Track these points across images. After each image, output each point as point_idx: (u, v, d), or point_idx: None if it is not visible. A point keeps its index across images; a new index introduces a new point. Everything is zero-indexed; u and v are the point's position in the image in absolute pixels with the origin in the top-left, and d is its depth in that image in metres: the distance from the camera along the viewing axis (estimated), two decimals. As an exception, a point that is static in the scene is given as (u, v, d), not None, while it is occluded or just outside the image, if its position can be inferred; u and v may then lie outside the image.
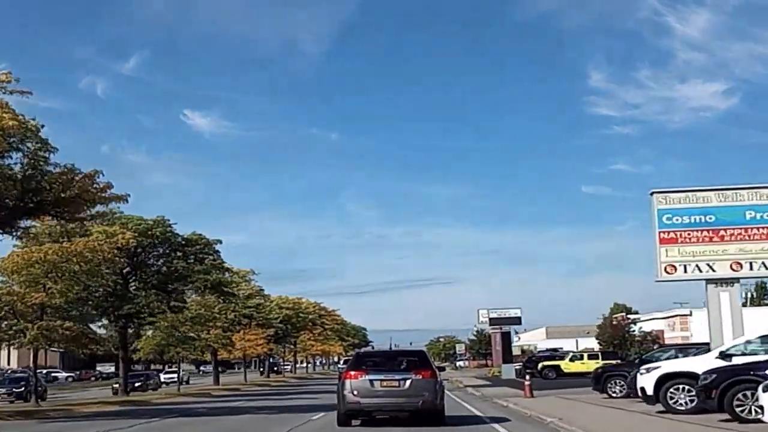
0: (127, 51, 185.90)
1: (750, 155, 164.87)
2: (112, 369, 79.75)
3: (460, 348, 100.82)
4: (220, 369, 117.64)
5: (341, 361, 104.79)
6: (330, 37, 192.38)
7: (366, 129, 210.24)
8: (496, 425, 18.01)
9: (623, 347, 63.83)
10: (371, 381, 16.69)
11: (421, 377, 16.79)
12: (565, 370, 51.95)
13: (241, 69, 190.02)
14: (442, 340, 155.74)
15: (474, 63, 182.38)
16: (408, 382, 16.62)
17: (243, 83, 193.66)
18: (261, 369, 74.13)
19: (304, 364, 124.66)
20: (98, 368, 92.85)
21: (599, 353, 53.27)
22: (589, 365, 51.71)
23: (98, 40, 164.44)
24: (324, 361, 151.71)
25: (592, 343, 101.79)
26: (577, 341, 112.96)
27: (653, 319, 72.32)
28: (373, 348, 47.72)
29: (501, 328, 57.20)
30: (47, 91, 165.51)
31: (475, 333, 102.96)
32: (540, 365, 53.08)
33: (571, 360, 52.74)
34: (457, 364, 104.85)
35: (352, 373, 17.19)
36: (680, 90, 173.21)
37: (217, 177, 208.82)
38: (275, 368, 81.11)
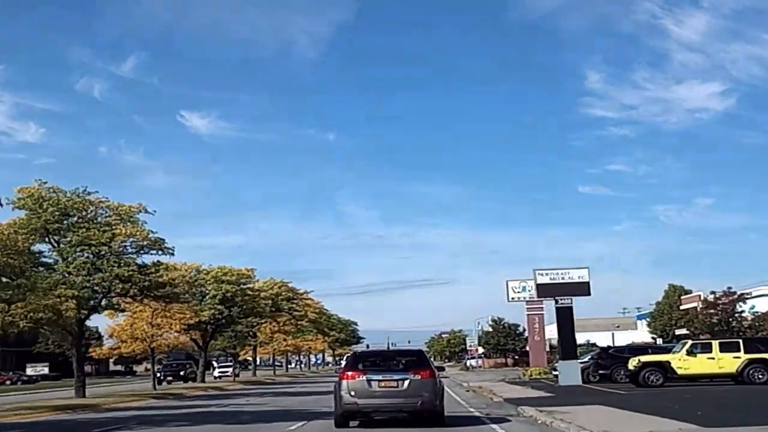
0: (124, 53, 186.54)
1: (746, 156, 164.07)
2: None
3: (471, 342, 78.32)
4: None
5: (343, 360, 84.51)
6: (327, 39, 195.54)
7: (363, 130, 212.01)
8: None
9: (725, 334, 41.17)
10: (369, 381, 16.11)
11: (420, 377, 16.22)
12: (680, 372, 29.39)
13: (238, 70, 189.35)
14: (445, 336, 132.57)
15: (472, 64, 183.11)
16: (407, 383, 16.09)
17: (240, 85, 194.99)
18: (160, 374, 49.59)
19: (276, 363, 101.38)
20: None
21: (740, 343, 30.31)
22: (725, 362, 29.22)
23: (95, 42, 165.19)
24: (302, 361, 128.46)
25: (636, 336, 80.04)
26: (613, 334, 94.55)
27: (762, 295, 49.49)
28: (367, 347, 34.11)
29: (556, 302, 34.41)
30: (45, 92, 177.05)
31: (491, 322, 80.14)
32: (634, 362, 30.26)
33: (690, 353, 29.83)
34: (468, 363, 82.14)
35: (349, 373, 16.50)
36: (677, 91, 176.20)
37: (215, 178, 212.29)
38: (182, 372, 56.89)
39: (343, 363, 23.86)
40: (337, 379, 17.07)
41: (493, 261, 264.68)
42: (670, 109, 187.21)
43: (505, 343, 78.42)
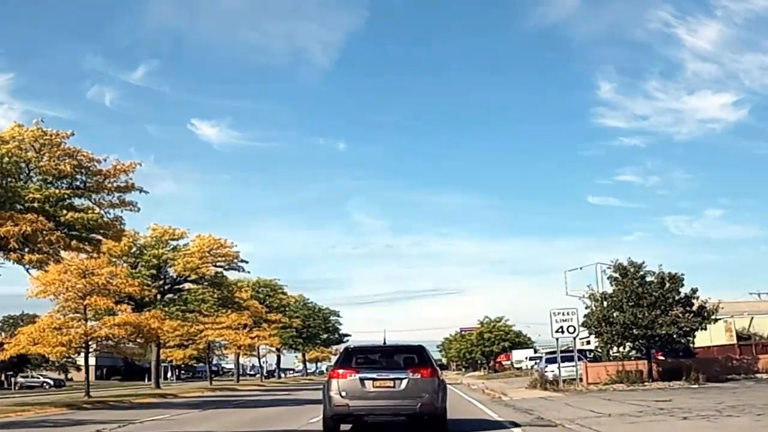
0: (135, 61, 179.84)
1: (758, 167, 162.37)
2: None
3: (564, 319, 31.24)
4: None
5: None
6: (338, 47, 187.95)
7: (374, 139, 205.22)
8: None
9: None
10: (362, 380, 14.45)
11: (419, 376, 14.51)
12: None
13: (249, 79, 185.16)
14: (467, 332, 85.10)
15: (482, 73, 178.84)
16: (404, 382, 14.44)
17: (251, 93, 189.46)
18: None
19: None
20: None
21: None
22: None
23: (106, 50, 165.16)
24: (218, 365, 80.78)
25: None
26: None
27: None
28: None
29: None
30: (55, 100, 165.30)
31: (614, 274, 32.73)
32: None
33: None
34: (548, 370, 35.34)
35: (340, 371, 14.73)
36: (689, 101, 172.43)
37: (225, 186, 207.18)
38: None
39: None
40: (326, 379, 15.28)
41: (503, 271, 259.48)
42: (681, 120, 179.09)
43: (650, 318, 30.97)
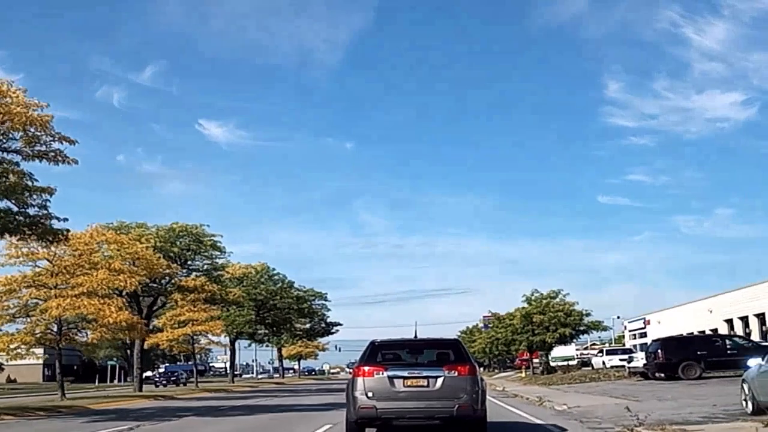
0: (144, 62, 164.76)
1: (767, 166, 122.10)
2: None
3: None
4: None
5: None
6: (345, 47, 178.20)
7: (381, 139, 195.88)
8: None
9: None
10: (391, 379, 12.65)
11: (456, 374, 12.72)
12: None
13: (257, 79, 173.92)
14: (508, 315, 61.69)
15: (491, 72, 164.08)
16: (439, 381, 12.65)
17: (259, 93, 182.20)
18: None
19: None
20: None
21: None
22: None
23: (115, 51, 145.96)
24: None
25: None
26: None
27: None
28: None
29: None
30: (64, 101, 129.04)
31: None
32: None
33: None
34: None
35: (366, 368, 12.89)
36: (697, 101, 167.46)
37: (233, 186, 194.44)
38: None
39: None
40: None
41: (511, 271, 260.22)
42: (690, 119, 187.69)
43: None
